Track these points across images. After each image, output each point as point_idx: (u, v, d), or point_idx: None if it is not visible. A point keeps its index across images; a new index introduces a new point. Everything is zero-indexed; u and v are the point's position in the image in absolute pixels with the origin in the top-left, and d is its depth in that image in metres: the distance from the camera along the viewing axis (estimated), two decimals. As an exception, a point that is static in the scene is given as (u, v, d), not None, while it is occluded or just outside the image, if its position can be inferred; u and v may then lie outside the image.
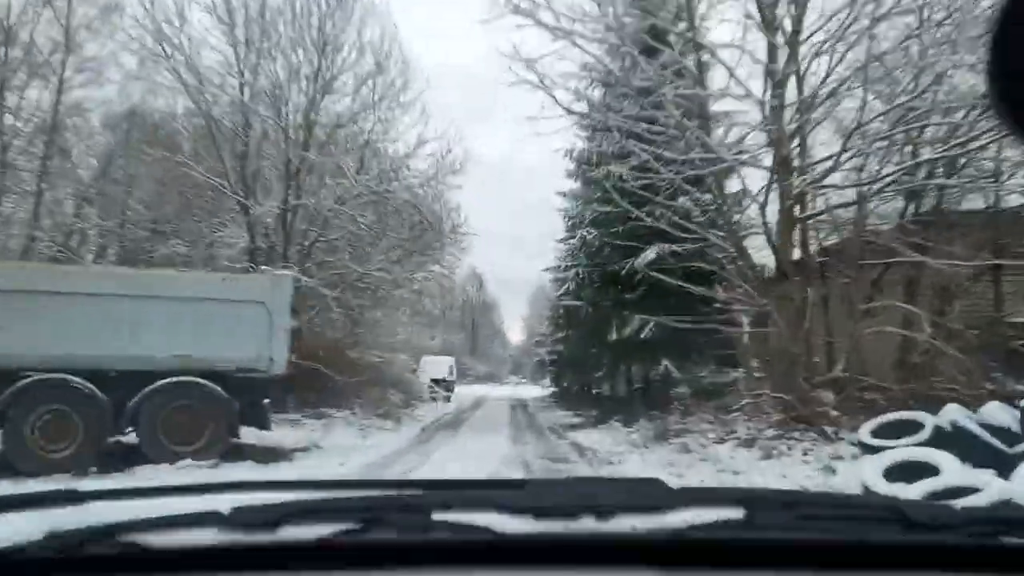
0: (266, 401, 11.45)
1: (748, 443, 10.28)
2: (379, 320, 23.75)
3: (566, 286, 21.73)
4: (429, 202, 20.43)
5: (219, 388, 10.60)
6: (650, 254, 16.63)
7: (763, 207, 12.31)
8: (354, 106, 19.18)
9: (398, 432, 17.39)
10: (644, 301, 17.51)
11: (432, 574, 0.98)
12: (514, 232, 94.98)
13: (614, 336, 18.18)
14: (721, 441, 10.78)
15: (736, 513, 1.07)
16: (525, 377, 77.01)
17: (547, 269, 27.81)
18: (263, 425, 11.44)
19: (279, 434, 12.67)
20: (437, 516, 1.05)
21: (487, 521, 1.02)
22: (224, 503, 1.08)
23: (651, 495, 1.14)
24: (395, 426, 18.72)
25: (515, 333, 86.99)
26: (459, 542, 1.02)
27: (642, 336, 17.24)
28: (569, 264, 21.48)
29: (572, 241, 22.13)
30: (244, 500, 1.10)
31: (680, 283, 14.88)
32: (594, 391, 34.27)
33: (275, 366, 11.15)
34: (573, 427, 19.75)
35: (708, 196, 14.60)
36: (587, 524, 1.02)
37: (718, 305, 15.50)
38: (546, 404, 34.27)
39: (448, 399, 35.35)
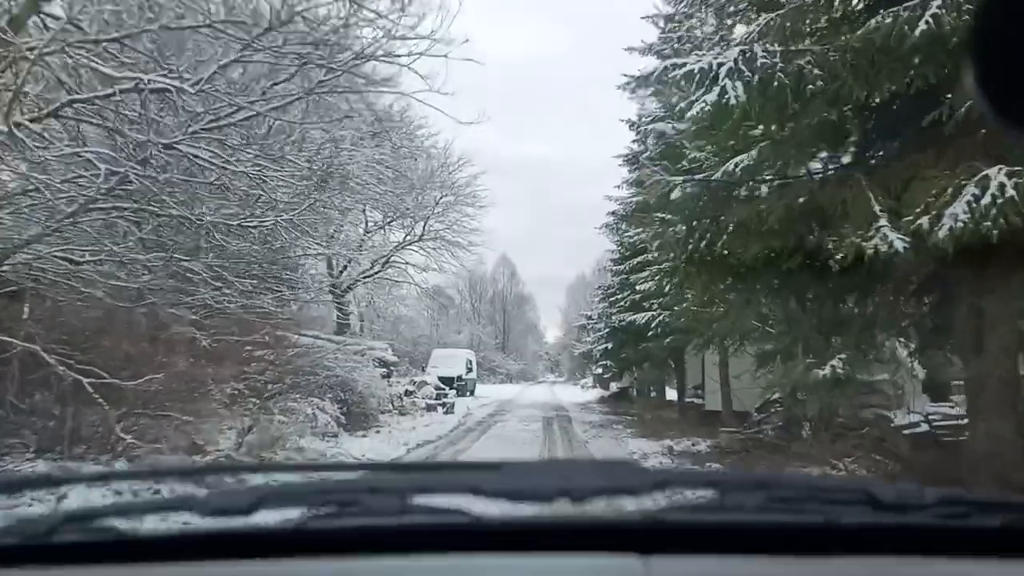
0: None
1: None
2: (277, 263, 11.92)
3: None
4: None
5: None
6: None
7: None
8: None
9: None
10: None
11: (407, 558, 0.98)
12: (552, 234, 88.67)
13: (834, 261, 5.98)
14: None
15: (709, 495, 1.08)
16: (562, 375, 69.64)
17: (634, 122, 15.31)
18: None
19: None
20: (413, 499, 1.03)
21: (463, 504, 1.01)
22: (199, 488, 1.08)
23: (625, 478, 1.09)
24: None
25: (551, 329, 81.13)
26: (435, 526, 1.01)
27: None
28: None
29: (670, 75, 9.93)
30: (220, 484, 1.11)
31: None
32: (683, 399, 21.80)
33: None
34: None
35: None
36: (563, 508, 1.00)
37: None
38: (598, 419, 22.18)
39: (451, 409, 23.31)
